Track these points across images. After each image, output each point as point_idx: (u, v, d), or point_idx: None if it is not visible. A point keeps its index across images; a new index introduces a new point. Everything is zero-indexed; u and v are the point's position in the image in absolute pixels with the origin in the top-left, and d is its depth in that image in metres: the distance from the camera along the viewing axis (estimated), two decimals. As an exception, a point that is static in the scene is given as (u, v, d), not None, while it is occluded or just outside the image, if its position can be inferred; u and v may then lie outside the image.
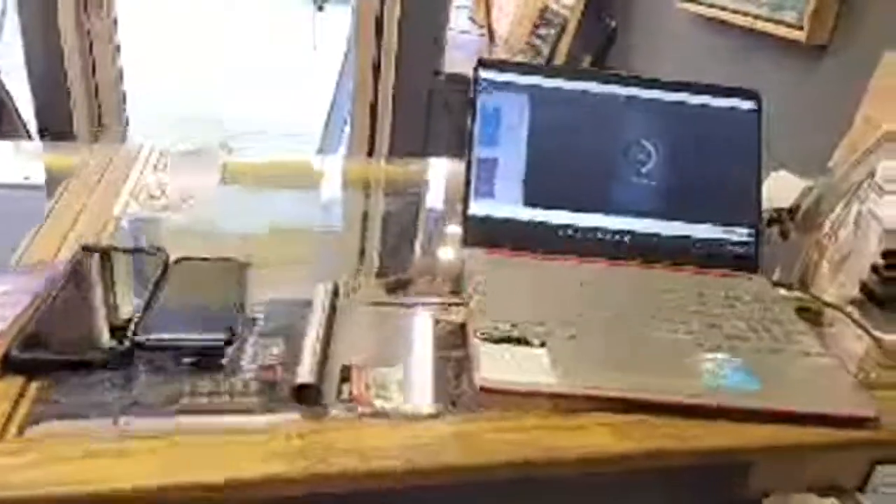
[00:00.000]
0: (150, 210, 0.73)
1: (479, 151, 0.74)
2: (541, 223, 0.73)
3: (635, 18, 2.03)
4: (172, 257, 0.63)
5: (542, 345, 0.58)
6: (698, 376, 0.57)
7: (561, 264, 0.71)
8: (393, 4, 1.93)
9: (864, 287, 0.76)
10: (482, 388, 0.53)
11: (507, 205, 0.73)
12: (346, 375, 0.53)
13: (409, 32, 2.03)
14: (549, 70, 0.77)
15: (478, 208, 0.73)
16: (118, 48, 2.04)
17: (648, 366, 0.58)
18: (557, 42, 2.12)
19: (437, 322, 0.62)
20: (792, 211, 0.85)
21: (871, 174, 0.89)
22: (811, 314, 0.70)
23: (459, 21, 2.68)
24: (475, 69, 0.76)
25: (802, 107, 1.39)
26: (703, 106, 0.77)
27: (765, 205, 0.86)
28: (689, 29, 1.74)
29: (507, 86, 0.75)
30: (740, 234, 0.75)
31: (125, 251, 0.65)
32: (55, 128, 2.00)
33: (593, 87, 0.76)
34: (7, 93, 1.92)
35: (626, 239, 0.74)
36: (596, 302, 0.65)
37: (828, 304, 0.71)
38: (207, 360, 0.53)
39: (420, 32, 2.04)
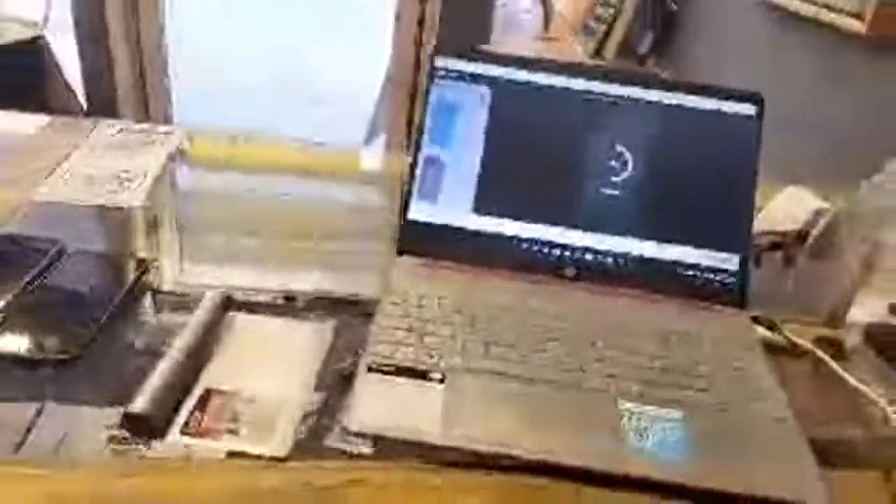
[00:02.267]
0: (74, 194, 0.69)
1: (428, 149, 0.66)
2: (489, 234, 0.64)
3: (698, 1, 1.86)
4: (73, 247, 0.60)
5: (442, 380, 0.51)
6: (620, 437, 0.48)
7: (504, 283, 0.62)
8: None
9: (867, 331, 0.64)
10: (349, 432, 0.46)
11: (453, 210, 0.65)
12: (203, 403, 0.48)
13: (455, 8, 1.93)
14: (518, 61, 0.67)
15: (419, 212, 0.65)
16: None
17: (564, 417, 0.49)
18: (613, 24, 1.97)
19: (334, 344, 0.55)
20: (802, 235, 0.73)
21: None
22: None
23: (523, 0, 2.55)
24: (431, 56, 0.67)
25: (857, 111, 1.22)
26: (694, 110, 0.66)
27: (771, 226, 0.74)
28: (750, 15, 1.56)
29: (467, 77, 0.67)
30: (725, 261, 0.64)
31: (16, 239, 0.61)
32: (101, 96, 2.04)
33: (567, 82, 0.66)
34: (57, 65, 1.93)
35: (588, 258, 0.64)
36: (527, 332, 0.56)
37: (796, 346, 0.60)
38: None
39: (466, 8, 1.94)
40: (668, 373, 0.54)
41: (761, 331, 0.62)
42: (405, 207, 0.65)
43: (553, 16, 2.28)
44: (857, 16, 1.20)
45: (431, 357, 0.52)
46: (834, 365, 0.59)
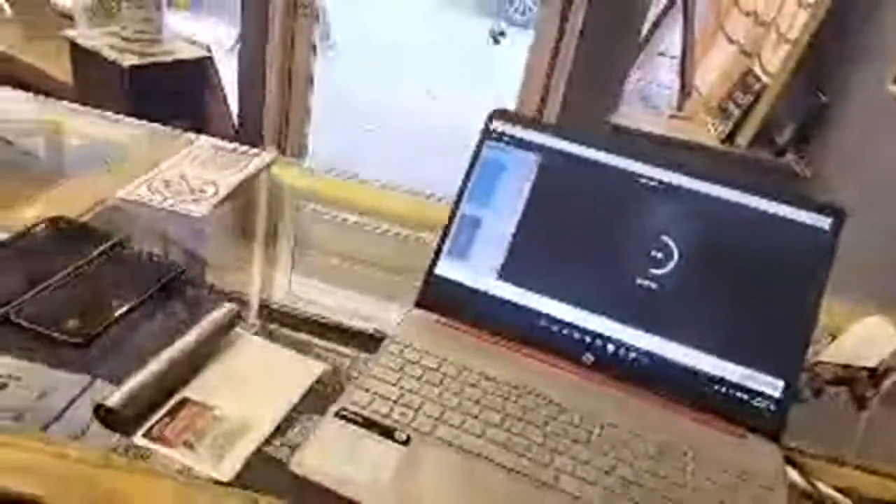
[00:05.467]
0: (150, 196, 0.75)
1: (466, 207, 0.65)
2: (510, 303, 0.62)
3: (849, 97, 1.72)
4: (135, 246, 0.66)
5: (406, 442, 0.49)
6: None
7: (512, 357, 0.60)
8: (571, 39, 1.83)
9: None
10: (293, 474, 0.46)
11: (478, 272, 0.63)
12: (175, 410, 0.49)
13: (585, 73, 1.92)
14: (573, 133, 0.65)
15: (444, 268, 0.64)
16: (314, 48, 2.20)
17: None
18: (750, 109, 1.87)
19: (324, 379, 0.55)
20: (877, 374, 0.64)
21: None
22: None
23: (660, 73, 2.49)
24: (488, 118, 0.67)
25: None
26: (760, 212, 0.60)
27: (840, 358, 0.66)
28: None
29: (519, 142, 0.66)
30: (767, 384, 0.57)
31: (86, 229, 0.68)
32: (250, 120, 2.23)
33: (622, 162, 0.64)
34: (219, 85, 2.13)
35: (609, 349, 0.60)
36: (516, 413, 0.53)
37: (822, 495, 0.51)
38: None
39: (596, 75, 1.93)
40: (653, 493, 0.49)
41: (792, 474, 0.54)
42: (433, 262, 0.64)
43: (690, 94, 2.20)
44: None
45: (404, 416, 0.51)
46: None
